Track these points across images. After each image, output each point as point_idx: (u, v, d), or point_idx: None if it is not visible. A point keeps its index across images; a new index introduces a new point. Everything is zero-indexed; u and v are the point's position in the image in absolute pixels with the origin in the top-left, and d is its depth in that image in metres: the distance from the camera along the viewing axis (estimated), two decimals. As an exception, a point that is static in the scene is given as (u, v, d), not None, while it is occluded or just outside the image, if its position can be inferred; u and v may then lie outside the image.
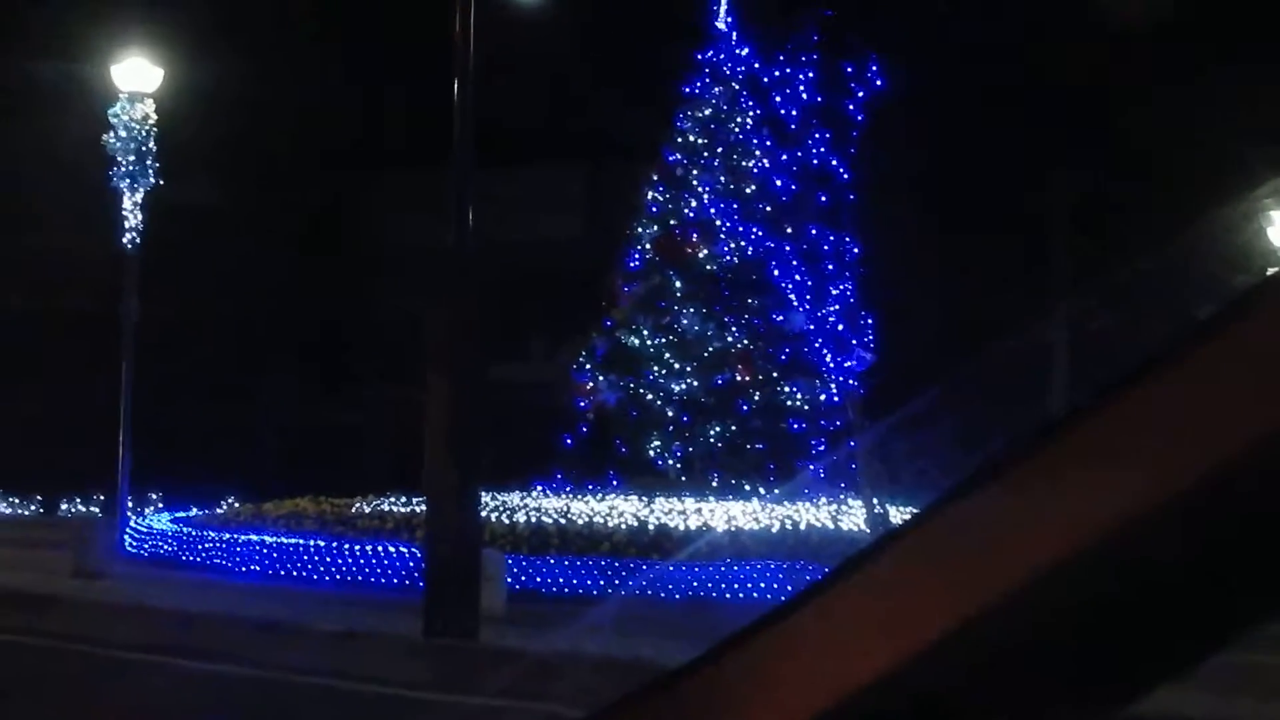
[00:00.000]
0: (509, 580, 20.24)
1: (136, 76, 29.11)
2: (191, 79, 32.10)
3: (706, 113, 33.26)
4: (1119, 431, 1.34)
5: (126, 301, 28.78)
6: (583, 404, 32.99)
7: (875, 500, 24.05)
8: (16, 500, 42.20)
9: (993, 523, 1.38)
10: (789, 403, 31.65)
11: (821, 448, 31.17)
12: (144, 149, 29.03)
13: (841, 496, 27.49)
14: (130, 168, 29.02)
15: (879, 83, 24.84)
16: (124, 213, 29.11)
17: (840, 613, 1.46)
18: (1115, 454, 1.33)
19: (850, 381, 25.08)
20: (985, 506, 1.39)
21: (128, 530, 28.50)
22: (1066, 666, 1.35)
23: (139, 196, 29.14)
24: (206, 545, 26.10)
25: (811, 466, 30.87)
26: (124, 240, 29.10)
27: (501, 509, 25.85)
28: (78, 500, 40.96)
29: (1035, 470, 1.37)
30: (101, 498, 32.77)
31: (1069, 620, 1.34)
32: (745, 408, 31.61)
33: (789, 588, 20.96)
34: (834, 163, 25.41)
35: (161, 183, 29.33)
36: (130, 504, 29.40)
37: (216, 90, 36.96)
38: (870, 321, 25.55)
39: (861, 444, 25.09)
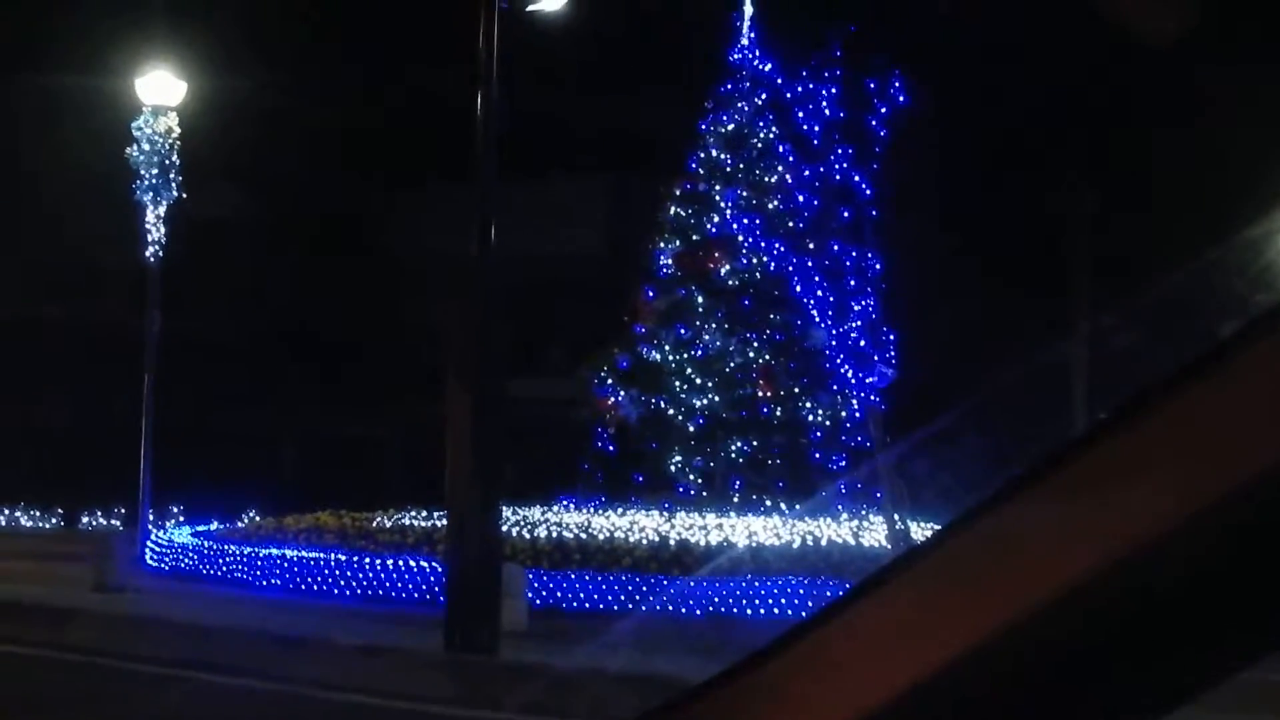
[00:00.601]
0: (530, 595, 20.23)
1: (159, 90, 29.18)
2: (214, 92, 32.18)
3: (729, 128, 33.31)
4: (1141, 447, 1.32)
5: (149, 314, 28.84)
6: (604, 418, 32.99)
7: (897, 516, 24.01)
8: (37, 513, 42.28)
9: (1015, 539, 1.37)
10: (810, 418, 31.65)
11: (843, 463, 31.16)
12: (167, 162, 29.10)
13: (863, 512, 27.48)
14: (153, 180, 29.08)
15: (902, 99, 24.83)
16: (147, 225, 29.18)
17: (863, 629, 1.45)
18: (1137, 470, 1.32)
19: (872, 397, 25.05)
20: (1007, 523, 1.38)
21: (149, 544, 28.54)
22: (1090, 681, 1.34)
23: (162, 209, 29.21)
24: (227, 559, 26.12)
25: (833, 482, 30.85)
26: (147, 253, 29.17)
27: (522, 523, 25.84)
28: (99, 513, 41.03)
29: (1057, 486, 1.36)
30: (122, 511, 32.81)
31: (1092, 635, 1.33)
32: (767, 423, 31.61)
33: (810, 604, 20.95)
34: (856, 179, 25.40)
35: (184, 195, 29.39)
36: (151, 517, 29.43)
37: (239, 103, 37.05)
38: (892, 337, 25.53)
39: (883, 460, 25.06)
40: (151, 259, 29.14)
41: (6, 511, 42.12)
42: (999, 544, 1.38)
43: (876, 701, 1.39)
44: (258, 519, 31.39)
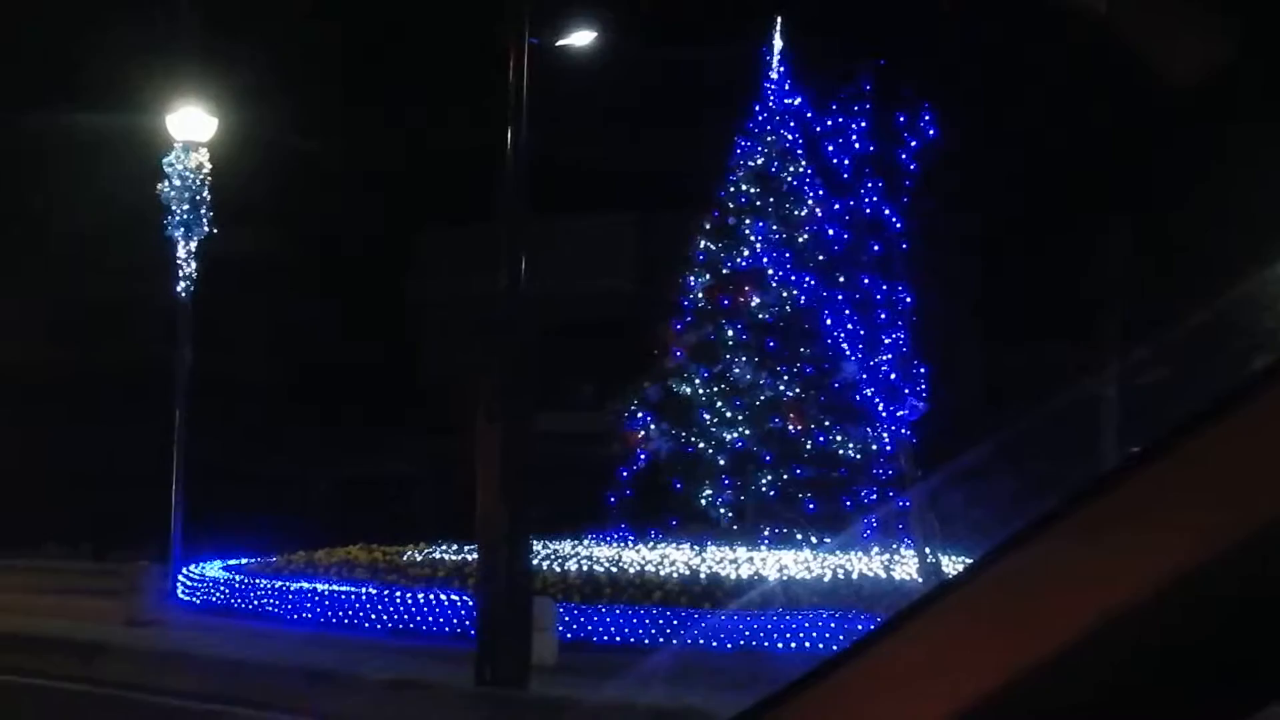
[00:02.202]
0: (560, 629, 20.20)
1: (191, 126, 29.29)
2: (245, 129, 32.32)
3: (759, 162, 33.31)
4: (1170, 485, 1.32)
5: (180, 349, 28.91)
6: (634, 452, 32.94)
7: (928, 550, 23.93)
8: (69, 548, 42.32)
9: (1044, 576, 1.37)
10: (841, 451, 31.57)
11: (873, 497, 31.07)
12: (198, 198, 29.19)
13: (894, 546, 27.39)
14: (184, 216, 29.17)
15: (931, 132, 24.82)
16: (178, 261, 29.27)
17: (893, 665, 1.44)
18: (1166, 508, 1.32)
19: (902, 430, 24.99)
20: (1036, 560, 1.38)
21: (180, 578, 28.57)
22: (1125, 716, 1.34)
23: (193, 245, 29.30)
24: (258, 593, 26.13)
25: (864, 516, 30.75)
26: (178, 289, 29.25)
27: (553, 557, 25.82)
28: (130, 548, 41.06)
29: (1086, 524, 1.36)
30: (153, 546, 32.84)
31: (1121, 673, 1.33)
32: (797, 456, 31.54)
33: (841, 638, 20.88)
34: (886, 212, 25.38)
35: (215, 231, 29.48)
36: (182, 552, 29.45)
37: (269, 140, 37.19)
38: (922, 371, 25.47)
39: (914, 493, 24.98)
40: (182, 294, 29.22)
41: (34, 547, 42.20)
42: (1028, 581, 1.38)
43: None
44: (288, 554, 31.40)
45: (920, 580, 23.83)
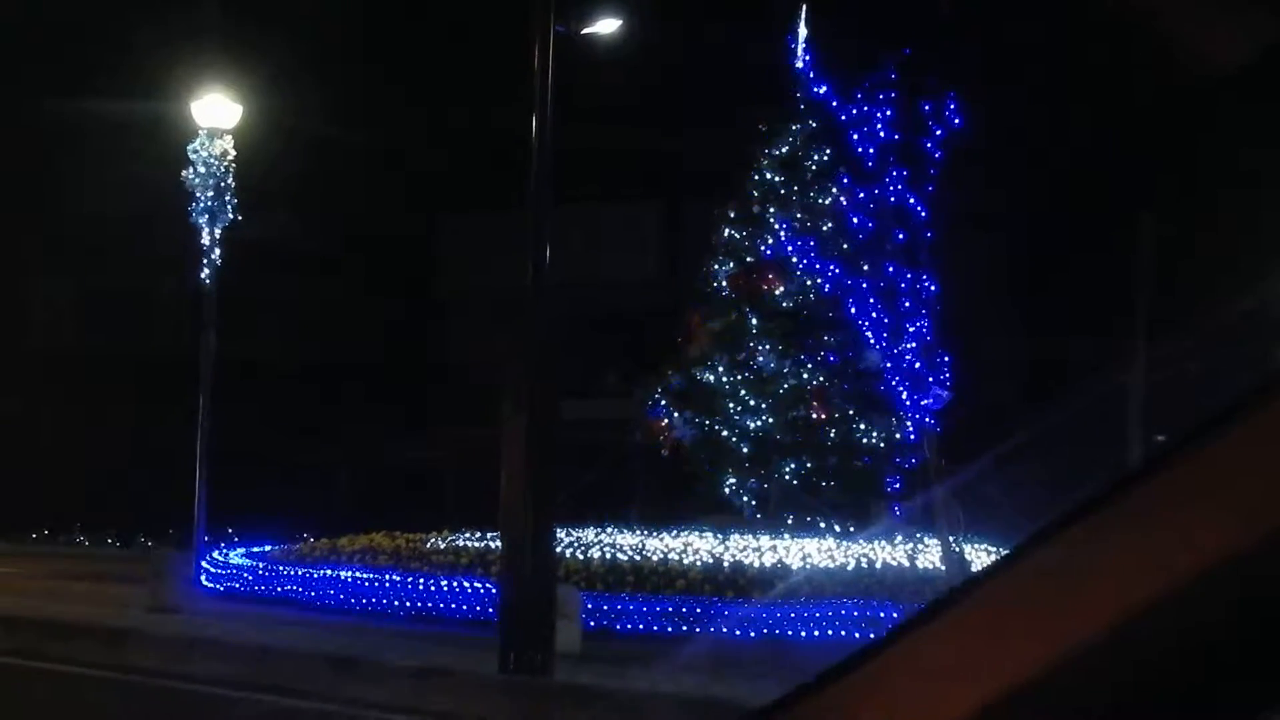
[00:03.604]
0: (584, 617, 20.19)
1: (216, 112, 29.34)
2: (270, 116, 32.36)
3: (783, 151, 33.26)
4: (1206, 474, 1.31)
5: (204, 336, 28.98)
6: (658, 440, 32.94)
7: (952, 539, 23.90)
8: (95, 534, 42.48)
9: (1081, 567, 1.36)
10: (865, 440, 31.54)
11: (897, 486, 31.04)
12: (222, 185, 29.24)
13: (917, 534, 27.37)
14: (209, 204, 29.23)
15: (957, 121, 24.76)
16: (202, 248, 29.34)
17: (928, 655, 1.44)
18: (1202, 497, 1.31)
19: (927, 420, 24.94)
20: (1069, 553, 1.37)
21: (204, 564, 28.64)
22: (1153, 710, 1.33)
23: (217, 232, 29.35)
24: (282, 579, 26.19)
25: (887, 504, 30.74)
26: (202, 276, 29.31)
27: (576, 545, 25.84)
28: (154, 534, 41.19)
29: (1120, 516, 1.35)
30: (176, 532, 32.93)
31: (1153, 664, 1.32)
32: (820, 444, 31.51)
33: (865, 627, 20.89)
34: (911, 201, 25.33)
35: (240, 218, 29.53)
36: (206, 538, 29.52)
37: (294, 127, 37.23)
38: (947, 359, 25.42)
39: (938, 482, 24.95)
40: (207, 280, 29.29)
41: (61, 533, 42.37)
42: (1063, 573, 1.37)
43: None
44: (312, 540, 31.46)
45: (944, 569, 23.80)
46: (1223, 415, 1.34)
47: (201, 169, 29.19)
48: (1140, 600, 1.33)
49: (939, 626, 1.46)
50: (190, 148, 29.32)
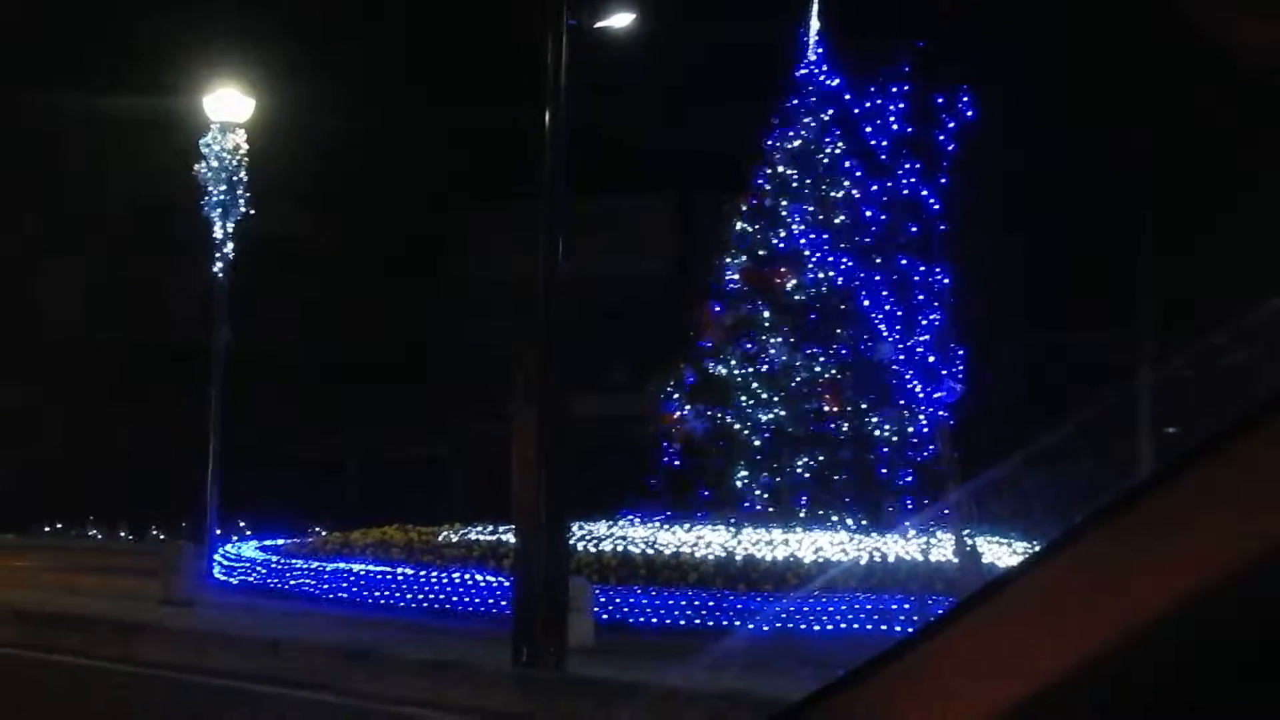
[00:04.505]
0: (596, 611, 20.19)
1: (228, 107, 29.36)
2: (281, 110, 32.36)
3: (796, 144, 33.20)
4: (1241, 472, 1.30)
5: (217, 329, 28.99)
6: (670, 434, 32.92)
7: (965, 533, 23.86)
8: (108, 527, 42.55)
9: (1116, 563, 1.36)
10: (877, 433, 31.48)
11: (909, 479, 30.98)
12: (234, 179, 29.26)
13: (930, 528, 27.32)
14: (221, 197, 29.25)
15: (969, 113, 24.72)
16: (214, 242, 29.35)
17: (963, 652, 1.45)
18: (1236, 496, 1.30)
19: (939, 412, 24.92)
20: (1107, 547, 1.37)
21: (216, 558, 28.68)
22: (1190, 706, 1.32)
23: (230, 226, 29.37)
24: (294, 573, 26.23)
25: (900, 497, 30.69)
26: (214, 269, 29.33)
27: (588, 538, 25.81)
28: (166, 528, 41.23)
29: (1158, 511, 1.34)
30: (189, 525, 33.00)
31: (1194, 658, 1.31)
32: (833, 438, 31.45)
33: (876, 620, 20.88)
34: (924, 193, 25.30)
35: (252, 212, 29.55)
36: (218, 532, 29.56)
37: (305, 122, 37.24)
38: (960, 352, 25.40)
39: (951, 476, 24.94)
40: (219, 275, 29.31)
41: (74, 525, 42.44)
42: (1095, 570, 1.37)
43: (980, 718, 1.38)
44: (324, 534, 31.48)
45: (957, 563, 23.76)
46: (1253, 414, 1.33)
47: (214, 163, 29.22)
48: (1175, 596, 1.32)
49: (973, 623, 1.46)
50: (203, 141, 29.34)
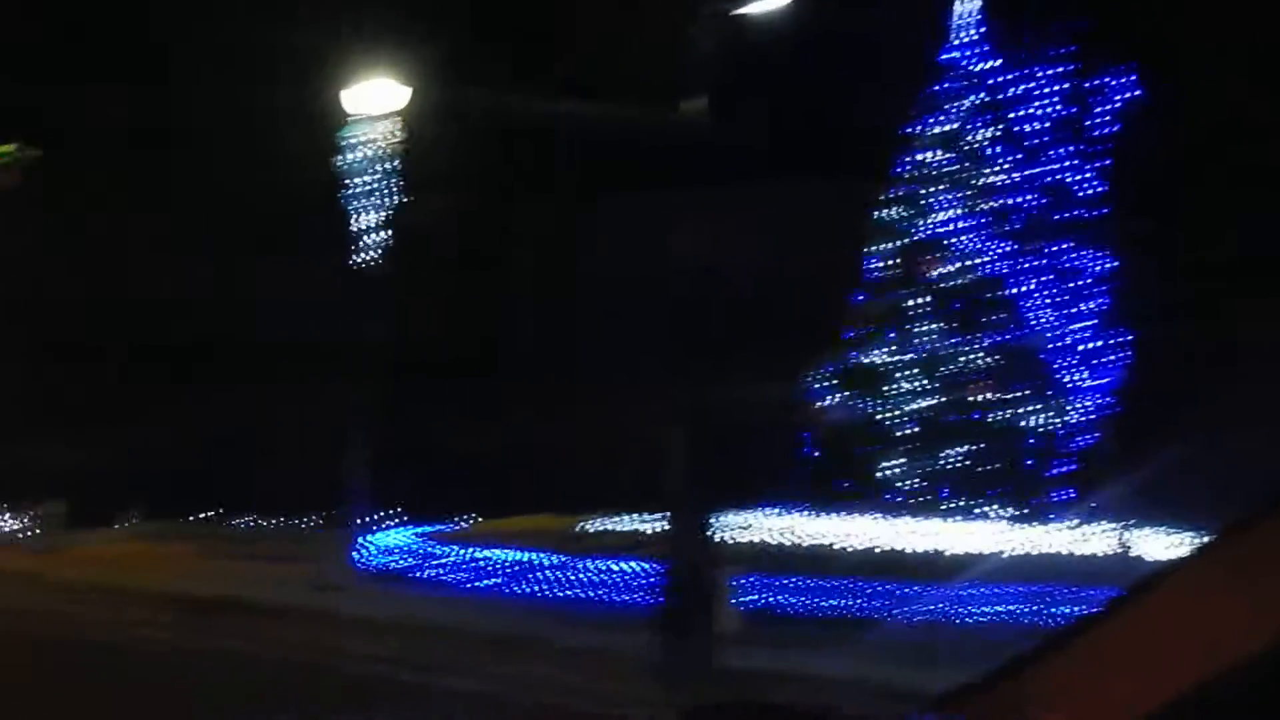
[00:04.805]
0: (743, 599, 20.12)
1: (377, 96, 29.46)
2: (431, 101, 32.47)
3: (943, 128, 32.94)
4: None
5: (367, 321, 29.20)
6: (816, 423, 32.81)
7: (1122, 525, 23.55)
8: (256, 513, 43.09)
9: (1265, 566, 1.28)
10: (1029, 423, 31.17)
11: (1062, 469, 30.64)
12: (385, 169, 29.40)
13: (1086, 519, 27.01)
14: (370, 187, 29.41)
15: (1132, 95, 24.33)
16: (363, 233, 29.53)
17: (1119, 646, 1.41)
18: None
19: (1097, 401, 24.63)
20: (1256, 548, 1.30)
21: (364, 544, 28.92)
22: None
23: (380, 216, 29.54)
24: (442, 560, 26.40)
25: (1054, 488, 30.36)
26: (363, 260, 29.52)
27: (735, 528, 25.78)
28: (314, 515, 41.67)
29: None
30: (339, 512, 33.29)
31: None
32: (984, 427, 31.19)
33: (1026, 611, 20.67)
34: (1081, 177, 24.98)
35: (404, 200, 29.68)
36: (368, 518, 29.80)
37: (457, 112, 37.42)
38: (1119, 340, 25.06)
39: (1109, 466, 24.65)
40: (368, 266, 29.49)
41: (222, 512, 43.00)
42: (1248, 573, 1.31)
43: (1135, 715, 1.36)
44: (471, 521, 31.69)
45: (1114, 556, 23.46)
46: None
47: (362, 153, 29.38)
48: None
49: (1127, 620, 1.40)
50: (350, 132, 29.47)
